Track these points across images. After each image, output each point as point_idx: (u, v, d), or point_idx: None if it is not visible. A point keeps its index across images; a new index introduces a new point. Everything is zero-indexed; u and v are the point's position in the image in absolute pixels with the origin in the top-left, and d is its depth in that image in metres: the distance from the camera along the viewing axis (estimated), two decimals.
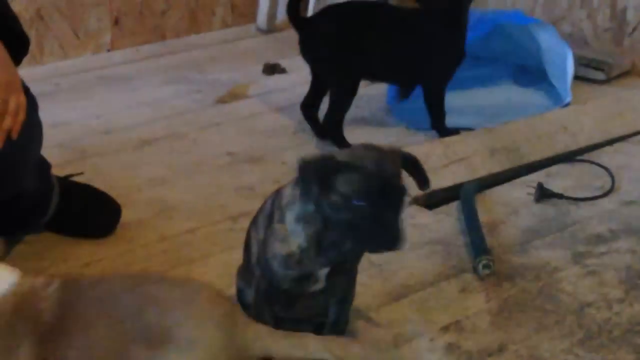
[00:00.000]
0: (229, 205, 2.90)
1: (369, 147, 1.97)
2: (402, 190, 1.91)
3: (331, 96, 3.30)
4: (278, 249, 2.01)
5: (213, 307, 1.75)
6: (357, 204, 1.88)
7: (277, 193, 2.08)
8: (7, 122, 2.14)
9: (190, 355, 1.68)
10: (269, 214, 2.08)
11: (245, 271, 2.21)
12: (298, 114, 3.50)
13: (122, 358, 1.69)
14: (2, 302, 1.63)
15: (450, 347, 2.23)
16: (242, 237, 2.67)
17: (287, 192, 2.02)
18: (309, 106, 3.40)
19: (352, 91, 3.30)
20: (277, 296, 2.08)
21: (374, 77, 3.47)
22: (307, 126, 3.44)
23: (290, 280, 2.04)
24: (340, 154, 1.96)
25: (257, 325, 1.81)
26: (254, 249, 2.13)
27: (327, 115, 3.31)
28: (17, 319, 1.64)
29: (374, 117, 3.53)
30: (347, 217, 1.90)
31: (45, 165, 2.61)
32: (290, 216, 1.99)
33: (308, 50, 3.32)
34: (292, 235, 2.00)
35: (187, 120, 3.54)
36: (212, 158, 3.24)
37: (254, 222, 2.17)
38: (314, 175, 1.90)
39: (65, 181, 2.72)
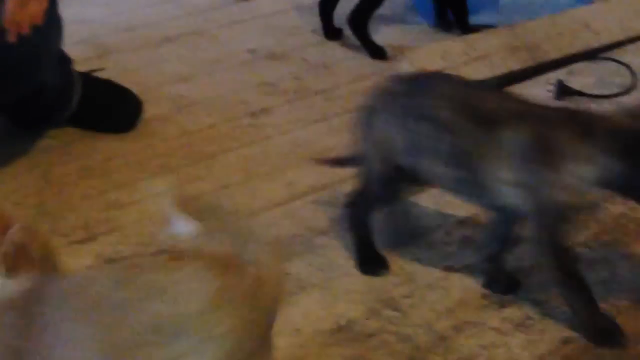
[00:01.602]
0: (250, 102, 2.92)
1: None
2: None
3: None
4: (563, 197, 1.89)
5: (226, 285, 1.38)
6: None
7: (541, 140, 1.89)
8: (33, 6, 2.14)
9: (208, 346, 1.36)
10: (533, 158, 1.89)
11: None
12: None
13: None
14: None
15: (465, 240, 2.26)
16: (262, 132, 2.73)
17: (569, 146, 1.87)
18: (326, 4, 3.39)
19: None
20: None
21: None
22: None
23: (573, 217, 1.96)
24: None
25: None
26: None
27: (355, 11, 3.27)
28: None
29: (396, 15, 3.51)
30: None
31: (66, 59, 2.63)
32: (580, 172, 1.86)
33: None
34: (579, 190, 1.88)
35: (209, 18, 3.54)
36: (234, 55, 3.25)
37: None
38: None
39: (87, 76, 2.74)
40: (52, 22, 2.34)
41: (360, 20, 3.26)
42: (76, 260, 2.17)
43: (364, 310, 2.02)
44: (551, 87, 2.96)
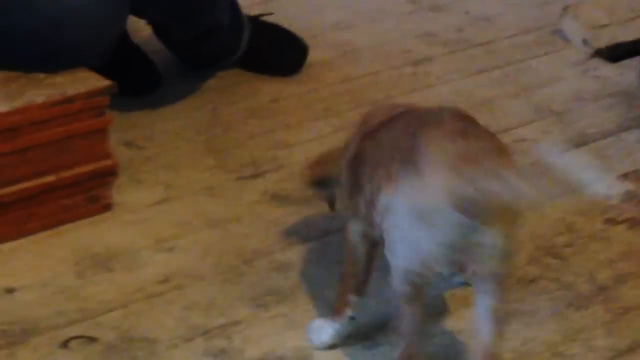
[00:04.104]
0: (412, 51, 2.95)
1: None
2: None
3: None
4: None
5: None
6: None
7: None
8: None
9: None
10: None
11: None
12: None
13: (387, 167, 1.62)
14: None
15: (628, 194, 2.26)
16: (424, 81, 2.76)
17: None
18: None
19: None
20: None
21: None
22: None
23: None
24: None
25: None
26: None
27: None
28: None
29: None
30: None
31: (237, 3, 2.70)
32: None
33: None
34: None
35: None
36: (396, 5, 3.26)
37: None
38: None
39: (256, 20, 2.80)
40: None
41: None
42: (242, 196, 2.26)
43: (524, 257, 2.04)
44: None
